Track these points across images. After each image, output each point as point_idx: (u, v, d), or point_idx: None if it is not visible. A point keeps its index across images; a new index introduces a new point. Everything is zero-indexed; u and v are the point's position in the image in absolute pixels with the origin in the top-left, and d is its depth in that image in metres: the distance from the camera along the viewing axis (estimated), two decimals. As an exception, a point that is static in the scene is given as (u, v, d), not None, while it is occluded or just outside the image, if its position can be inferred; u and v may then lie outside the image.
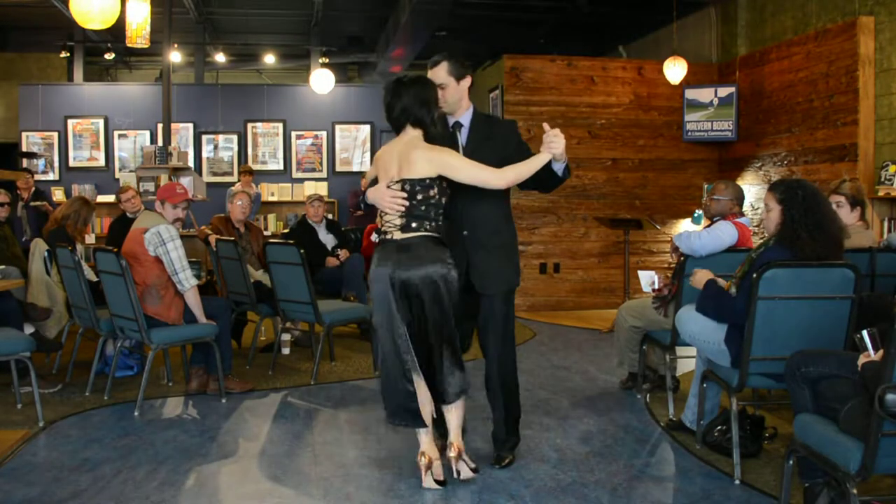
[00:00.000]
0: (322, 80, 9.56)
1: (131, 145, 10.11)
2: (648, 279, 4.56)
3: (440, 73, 3.34)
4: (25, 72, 11.35)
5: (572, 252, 8.53)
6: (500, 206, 3.46)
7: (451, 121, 3.43)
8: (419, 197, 3.14)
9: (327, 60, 11.27)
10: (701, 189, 8.39)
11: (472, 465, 3.32)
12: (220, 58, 11.92)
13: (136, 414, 4.29)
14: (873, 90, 6.52)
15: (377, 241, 3.30)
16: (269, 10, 10.26)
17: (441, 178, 3.16)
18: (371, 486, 3.27)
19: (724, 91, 8.26)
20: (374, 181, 3.30)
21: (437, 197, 3.17)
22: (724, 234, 4.05)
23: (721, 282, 3.53)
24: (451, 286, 3.15)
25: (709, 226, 4.27)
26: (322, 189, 10.40)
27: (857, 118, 6.52)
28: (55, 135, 9.91)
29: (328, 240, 6.79)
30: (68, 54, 10.95)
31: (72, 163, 9.95)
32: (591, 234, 8.53)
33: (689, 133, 8.51)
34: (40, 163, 9.52)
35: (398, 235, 3.18)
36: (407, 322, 3.15)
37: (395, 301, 3.14)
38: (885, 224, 6.20)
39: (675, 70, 7.92)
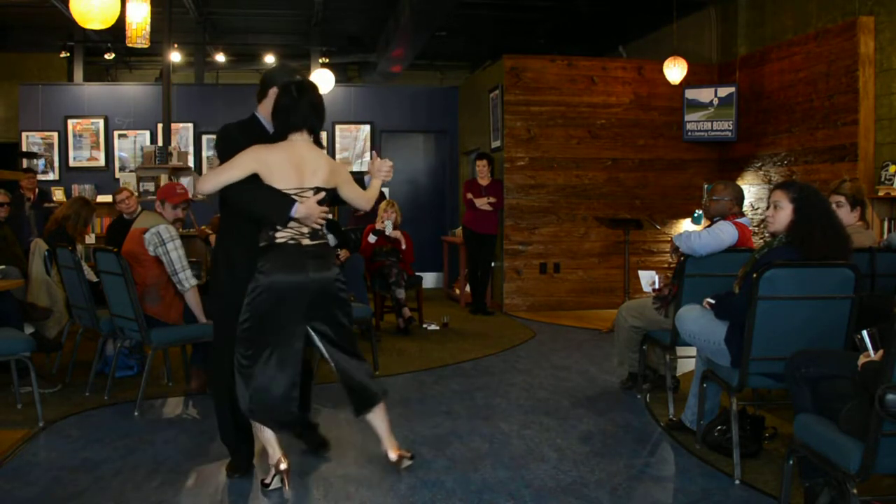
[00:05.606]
0: (322, 80, 9.55)
1: (131, 145, 10.09)
2: (648, 279, 4.56)
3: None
4: (25, 72, 11.33)
5: (572, 252, 8.53)
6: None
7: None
8: (326, 207, 3.22)
9: (327, 60, 11.25)
10: (701, 189, 8.39)
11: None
12: (220, 58, 11.92)
13: (136, 414, 4.29)
14: (873, 90, 6.52)
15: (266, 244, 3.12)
16: (269, 10, 10.24)
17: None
18: (371, 486, 3.27)
19: (724, 91, 8.26)
20: (251, 180, 3.06)
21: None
22: (725, 234, 4.05)
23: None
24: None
25: (709, 226, 4.27)
26: (322, 189, 10.36)
27: (857, 118, 6.52)
28: (55, 135, 9.89)
29: (328, 240, 6.78)
30: (68, 54, 10.93)
31: (72, 163, 9.94)
32: (591, 234, 8.53)
33: (689, 133, 8.51)
34: (40, 163, 9.51)
35: (307, 242, 3.18)
36: (314, 327, 3.16)
37: (302, 307, 3.11)
38: (885, 224, 6.20)
39: (675, 70, 7.92)
